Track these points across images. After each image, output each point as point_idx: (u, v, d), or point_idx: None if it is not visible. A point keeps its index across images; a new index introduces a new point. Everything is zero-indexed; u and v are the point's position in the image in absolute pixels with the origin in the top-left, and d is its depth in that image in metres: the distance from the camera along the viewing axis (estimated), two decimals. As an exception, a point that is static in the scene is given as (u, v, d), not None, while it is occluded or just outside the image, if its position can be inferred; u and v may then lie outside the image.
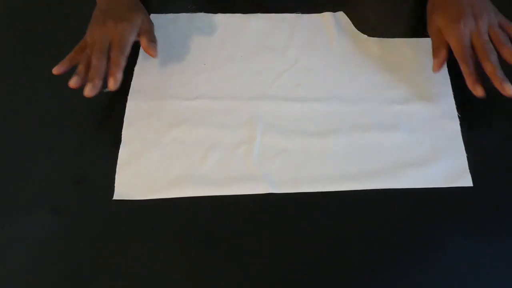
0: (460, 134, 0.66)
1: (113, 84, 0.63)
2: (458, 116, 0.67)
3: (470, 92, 0.65)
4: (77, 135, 0.66)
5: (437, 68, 0.68)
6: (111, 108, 0.68)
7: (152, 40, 0.68)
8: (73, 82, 0.63)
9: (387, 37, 0.76)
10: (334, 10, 0.79)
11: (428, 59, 0.72)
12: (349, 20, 0.77)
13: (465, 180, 0.62)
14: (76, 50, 0.67)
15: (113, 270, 0.57)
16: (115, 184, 0.62)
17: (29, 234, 0.59)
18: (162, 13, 0.78)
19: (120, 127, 0.66)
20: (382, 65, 0.73)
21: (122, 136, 0.66)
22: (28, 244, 0.58)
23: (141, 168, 0.63)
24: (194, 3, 0.79)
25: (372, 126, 0.66)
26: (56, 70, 0.65)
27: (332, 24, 0.77)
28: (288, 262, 0.57)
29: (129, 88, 0.69)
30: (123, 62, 0.65)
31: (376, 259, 0.57)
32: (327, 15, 0.78)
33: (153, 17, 0.77)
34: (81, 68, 0.64)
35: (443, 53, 0.67)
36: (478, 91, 0.63)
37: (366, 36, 0.76)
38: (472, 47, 0.66)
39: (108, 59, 0.64)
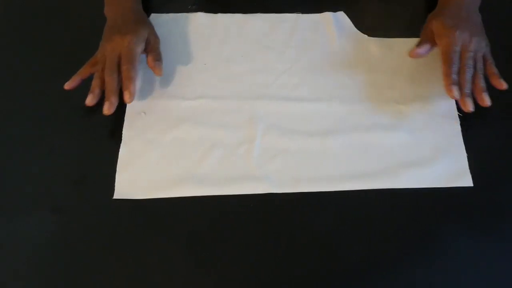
0: (461, 134, 0.66)
1: (128, 97, 0.65)
2: (459, 115, 0.67)
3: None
4: (77, 135, 0.66)
5: (413, 53, 0.68)
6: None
7: (158, 59, 0.69)
8: (89, 100, 0.65)
9: (387, 37, 0.76)
10: (334, 10, 0.78)
11: (428, 59, 0.72)
12: (349, 20, 0.77)
13: (465, 180, 0.62)
14: (86, 65, 0.68)
15: (113, 270, 0.57)
16: (115, 184, 0.62)
17: (29, 234, 0.59)
18: (162, 13, 0.78)
19: (120, 127, 0.66)
20: (382, 65, 0.73)
21: (122, 136, 0.66)
22: (28, 244, 0.58)
23: (141, 168, 0.63)
24: (194, 3, 0.79)
25: (372, 126, 0.66)
26: (67, 85, 0.67)
27: (332, 24, 0.77)
28: (288, 261, 0.57)
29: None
30: (134, 74, 0.66)
31: (376, 259, 0.57)
32: (327, 15, 0.78)
33: (153, 17, 0.77)
34: (94, 86, 0.66)
35: (426, 46, 0.68)
36: (453, 93, 0.64)
37: (366, 36, 0.76)
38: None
39: (120, 73, 0.66)
